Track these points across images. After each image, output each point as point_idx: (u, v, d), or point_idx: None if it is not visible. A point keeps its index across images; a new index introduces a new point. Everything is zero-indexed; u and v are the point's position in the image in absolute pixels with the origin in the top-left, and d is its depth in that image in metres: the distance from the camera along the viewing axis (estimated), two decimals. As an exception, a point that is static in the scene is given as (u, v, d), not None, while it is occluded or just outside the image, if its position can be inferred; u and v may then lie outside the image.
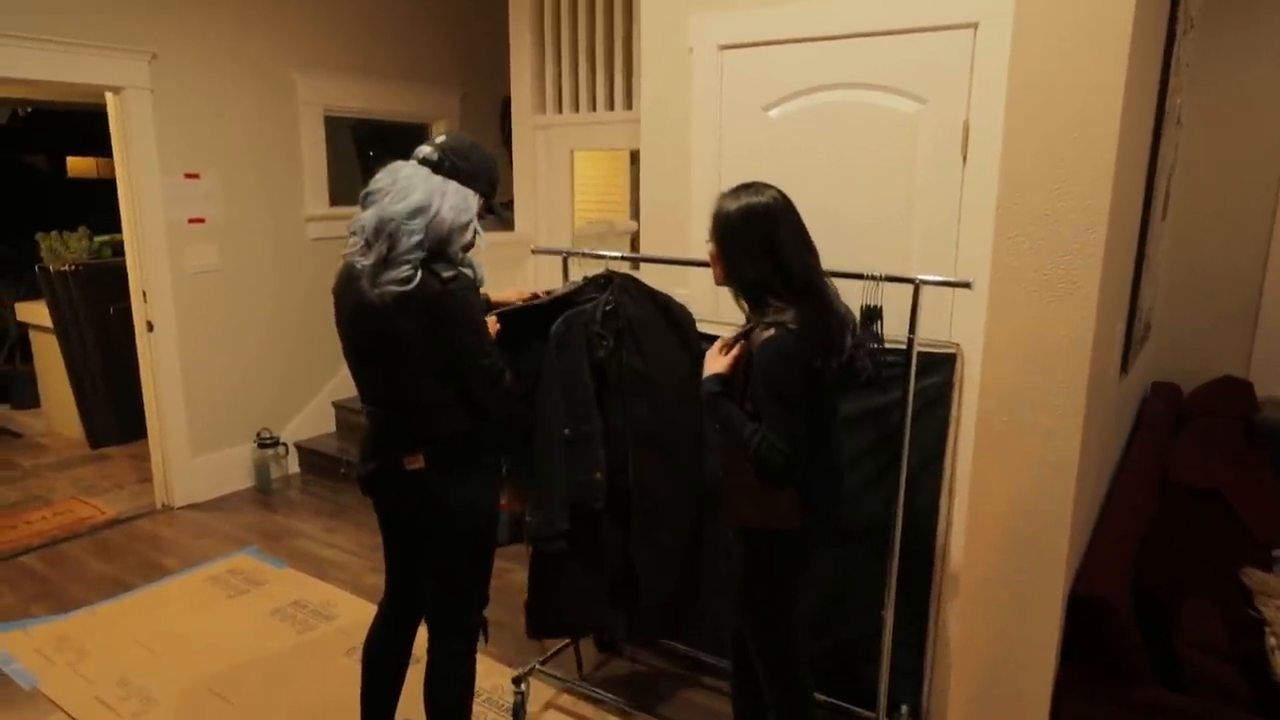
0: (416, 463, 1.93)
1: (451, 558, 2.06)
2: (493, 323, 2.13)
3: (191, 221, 4.15)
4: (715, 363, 1.83)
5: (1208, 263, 3.69)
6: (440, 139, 1.90)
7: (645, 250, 2.94)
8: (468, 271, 1.86)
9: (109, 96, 3.85)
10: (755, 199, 1.77)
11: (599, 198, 5.46)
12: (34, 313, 5.47)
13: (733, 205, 1.78)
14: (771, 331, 1.71)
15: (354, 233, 1.87)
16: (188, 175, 4.10)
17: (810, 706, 1.98)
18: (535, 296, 2.30)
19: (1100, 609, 1.96)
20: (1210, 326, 3.77)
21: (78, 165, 8.32)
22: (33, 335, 5.64)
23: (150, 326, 4.08)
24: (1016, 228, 1.81)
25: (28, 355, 5.84)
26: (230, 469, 4.47)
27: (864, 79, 2.43)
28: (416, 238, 1.77)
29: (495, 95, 5.43)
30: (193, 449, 4.30)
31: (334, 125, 4.89)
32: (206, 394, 4.32)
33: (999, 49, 2.08)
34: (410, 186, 1.80)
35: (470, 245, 1.91)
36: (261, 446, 4.49)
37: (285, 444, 4.65)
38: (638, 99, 2.93)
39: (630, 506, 2.41)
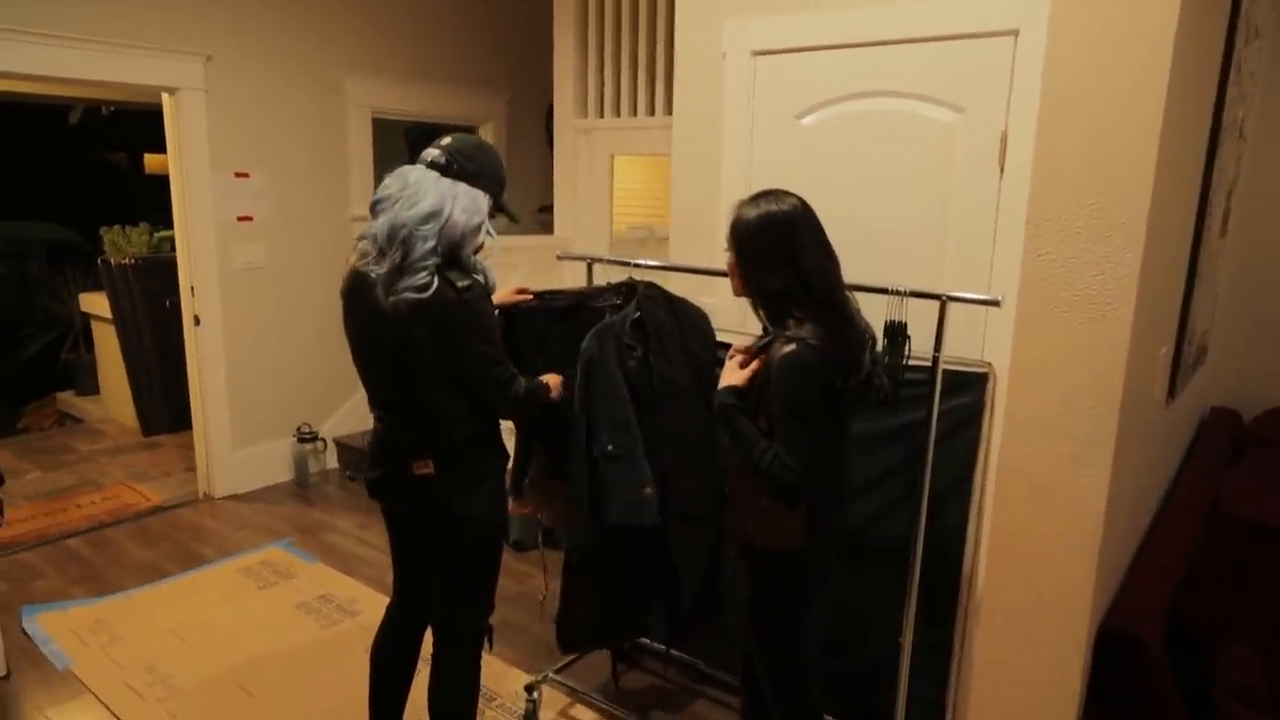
0: (426, 468, 1.92)
1: (459, 564, 2.05)
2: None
3: (240, 219, 4.26)
4: (732, 375, 1.77)
5: (1273, 283, 3.49)
6: (445, 141, 1.88)
7: (675, 256, 2.90)
8: (480, 278, 1.85)
9: (165, 97, 3.98)
10: (775, 206, 1.71)
11: (642, 203, 5.44)
12: (96, 303, 5.69)
13: (752, 213, 1.72)
14: (792, 346, 1.64)
15: (363, 238, 1.87)
16: (238, 174, 4.20)
17: None
18: (523, 291, 2.29)
19: (1132, 649, 1.85)
20: (1276, 350, 3.56)
21: (154, 162, 8.65)
22: (94, 325, 5.87)
23: (197, 320, 4.19)
24: (1047, 244, 1.72)
25: (91, 344, 6.08)
26: (270, 462, 4.56)
27: (900, 87, 2.36)
28: (430, 243, 1.76)
29: (541, 100, 5.45)
30: (235, 441, 4.40)
31: (386, 127, 4.96)
32: (250, 388, 4.42)
33: (1039, 57, 1.98)
34: (420, 192, 1.78)
35: (481, 247, 1.90)
36: (301, 441, 4.58)
37: (324, 440, 4.73)
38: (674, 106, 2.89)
39: (668, 512, 2.37)
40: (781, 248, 1.68)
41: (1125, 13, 1.57)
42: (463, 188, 1.82)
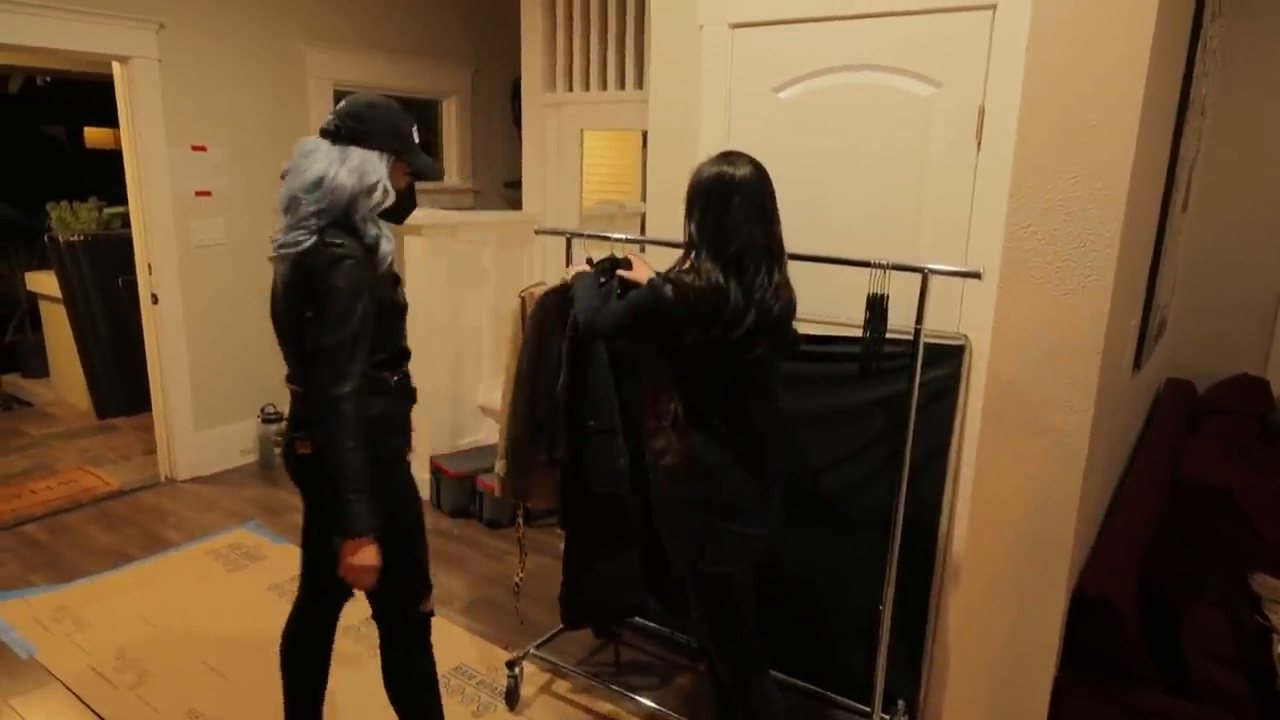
0: (304, 447, 1.82)
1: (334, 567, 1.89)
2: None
3: (198, 194, 4.13)
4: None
5: (1228, 258, 3.60)
6: (339, 105, 1.83)
7: (652, 231, 2.89)
8: (369, 243, 1.78)
9: (116, 66, 3.82)
10: (726, 168, 1.81)
11: (610, 179, 5.40)
12: (44, 283, 5.48)
13: (707, 171, 1.83)
14: (666, 280, 1.80)
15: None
16: (195, 147, 4.07)
17: (760, 691, 1.96)
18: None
19: (1105, 609, 1.92)
20: (1228, 323, 3.69)
21: (95, 136, 8.32)
22: (42, 305, 5.66)
23: (155, 299, 4.07)
24: (1030, 216, 1.75)
25: (38, 325, 5.86)
26: (234, 443, 4.47)
27: (878, 60, 2.36)
28: (314, 207, 1.73)
29: (508, 73, 5.37)
30: (197, 423, 4.30)
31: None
32: (211, 368, 4.32)
33: (1017, 31, 2.00)
34: (311, 160, 1.75)
35: (384, 207, 1.82)
36: (265, 421, 4.48)
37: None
38: (649, 79, 2.87)
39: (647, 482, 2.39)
40: (715, 203, 1.79)
41: (1109, -13, 1.60)
42: (353, 150, 1.77)
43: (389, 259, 1.84)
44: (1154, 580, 2.06)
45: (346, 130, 1.78)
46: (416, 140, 1.89)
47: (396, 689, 2.07)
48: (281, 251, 1.75)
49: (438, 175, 1.98)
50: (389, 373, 1.87)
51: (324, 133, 1.80)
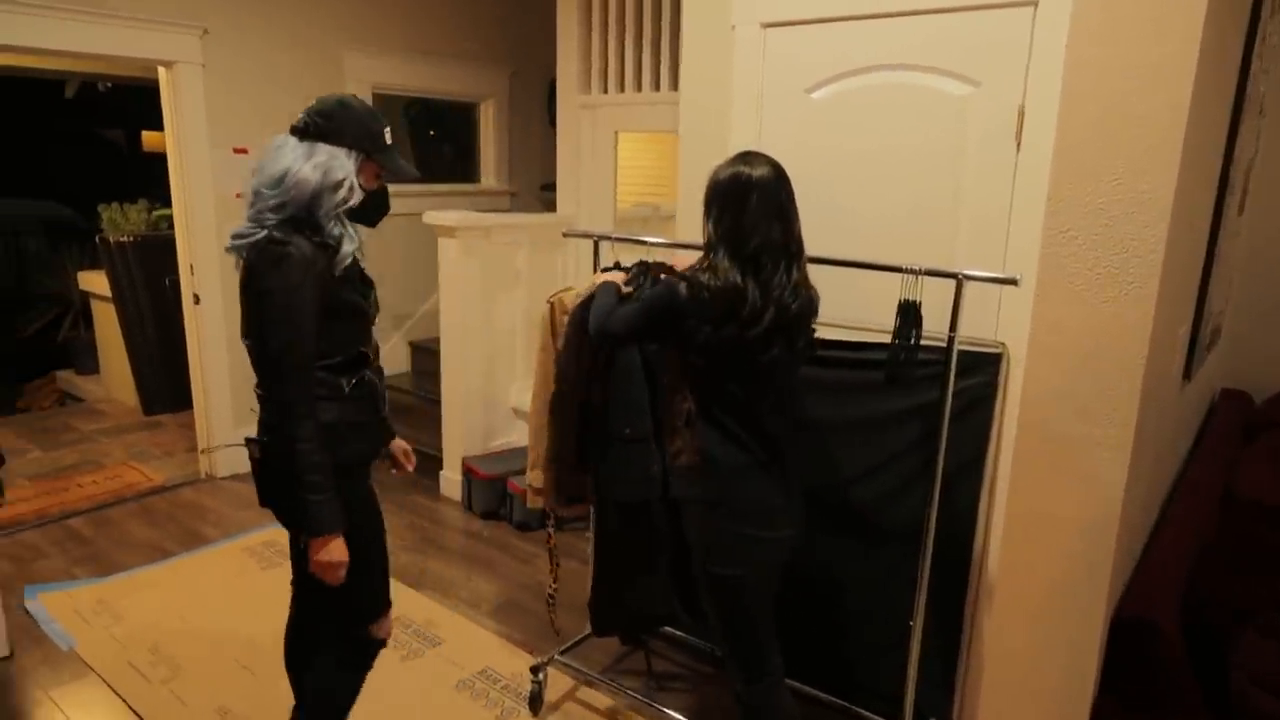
0: (254, 452, 1.80)
1: (299, 562, 1.88)
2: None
3: (239, 196, 4.18)
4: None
5: (1288, 263, 3.44)
6: (311, 103, 1.80)
7: (684, 234, 2.85)
8: (329, 239, 1.73)
9: (161, 71, 3.91)
10: (743, 168, 1.79)
11: (648, 180, 5.38)
12: (95, 282, 5.64)
13: (724, 171, 1.82)
14: (682, 278, 1.81)
15: None
16: (236, 150, 4.14)
17: (771, 700, 1.93)
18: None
19: (1148, 633, 1.83)
20: (1289, 331, 3.52)
21: (152, 139, 8.55)
22: (94, 304, 5.82)
23: (197, 299, 4.15)
24: (1069, 220, 1.67)
25: (90, 323, 6.04)
26: (272, 442, 4.53)
27: (913, 59, 2.29)
28: (274, 201, 1.70)
29: (544, 75, 5.37)
30: (237, 421, 4.37)
31: (386, 103, 4.89)
32: (250, 367, 4.37)
33: (1059, 29, 1.93)
34: (277, 157, 1.73)
35: (350, 206, 1.78)
36: (303, 421, 4.53)
37: (327, 419, 4.69)
38: (681, 80, 2.83)
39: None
40: (732, 203, 1.77)
41: (1155, -20, 1.52)
42: (320, 146, 1.74)
43: (349, 260, 1.79)
44: (1201, 602, 1.96)
45: (315, 127, 1.75)
46: (389, 142, 1.85)
47: (305, 702, 2.00)
48: (235, 243, 1.73)
49: (411, 176, 1.92)
50: (344, 378, 1.80)
51: (293, 130, 1.78)
